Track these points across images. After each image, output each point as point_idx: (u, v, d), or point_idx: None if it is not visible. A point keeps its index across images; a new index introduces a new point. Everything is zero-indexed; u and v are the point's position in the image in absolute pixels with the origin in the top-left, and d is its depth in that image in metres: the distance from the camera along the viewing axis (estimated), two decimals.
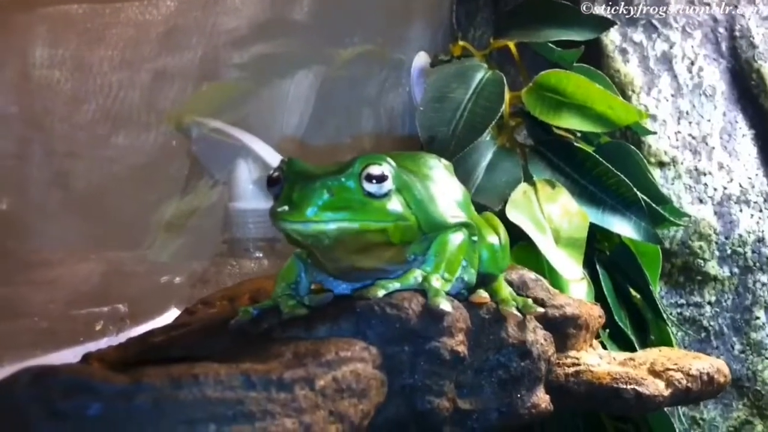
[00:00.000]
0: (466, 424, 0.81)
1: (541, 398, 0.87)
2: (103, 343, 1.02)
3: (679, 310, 1.56)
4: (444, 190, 0.86)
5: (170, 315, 1.20)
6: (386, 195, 0.77)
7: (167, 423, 0.57)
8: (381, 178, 0.76)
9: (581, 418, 1.25)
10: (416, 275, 0.79)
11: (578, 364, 0.95)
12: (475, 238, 0.86)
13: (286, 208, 0.73)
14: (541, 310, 0.88)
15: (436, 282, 0.79)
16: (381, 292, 0.77)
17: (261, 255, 1.41)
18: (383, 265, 0.80)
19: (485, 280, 0.88)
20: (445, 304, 0.77)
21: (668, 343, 1.35)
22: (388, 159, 0.78)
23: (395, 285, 0.78)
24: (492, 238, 0.89)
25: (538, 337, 0.87)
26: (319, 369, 0.66)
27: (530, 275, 0.96)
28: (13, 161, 1.27)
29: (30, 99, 1.26)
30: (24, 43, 1.22)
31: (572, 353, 0.96)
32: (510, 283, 0.93)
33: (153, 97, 1.38)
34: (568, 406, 0.94)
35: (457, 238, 0.83)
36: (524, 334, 0.86)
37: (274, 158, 1.40)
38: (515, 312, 0.85)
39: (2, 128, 1.24)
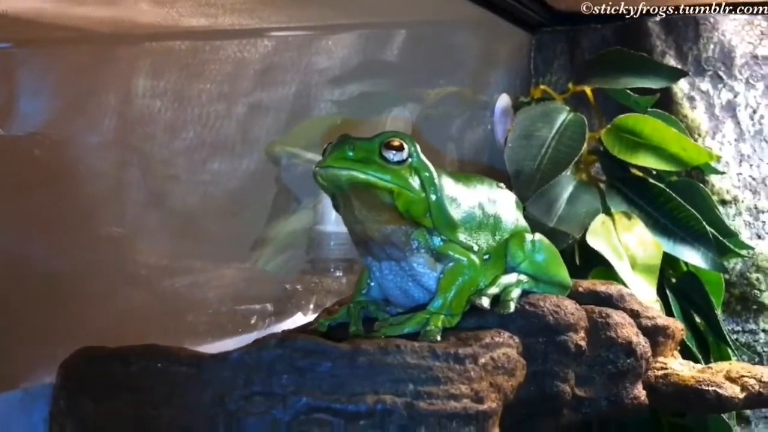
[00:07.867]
0: (580, 409, 0.96)
1: (641, 392, 1.01)
2: (255, 335, 1.18)
3: (735, 336, 1.69)
4: (480, 206, 0.94)
5: (297, 318, 1.36)
6: (399, 163, 0.84)
7: (379, 380, 0.73)
8: (397, 148, 0.84)
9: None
10: (422, 320, 0.86)
11: (666, 368, 1.09)
12: (487, 257, 0.93)
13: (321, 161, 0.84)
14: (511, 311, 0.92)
15: (434, 327, 0.85)
16: (388, 332, 0.85)
17: (341, 273, 1.50)
18: (392, 239, 0.87)
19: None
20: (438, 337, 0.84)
21: None
22: (410, 138, 0.86)
23: (404, 329, 0.85)
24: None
25: (641, 340, 1.01)
26: (481, 349, 0.81)
27: (627, 290, 1.10)
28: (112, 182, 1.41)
29: (132, 126, 1.41)
30: (128, 74, 1.30)
31: (660, 359, 1.10)
32: (609, 296, 1.07)
33: (247, 127, 1.46)
34: (657, 404, 1.09)
35: (464, 275, 0.89)
36: (630, 336, 1.00)
37: None
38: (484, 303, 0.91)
39: (105, 152, 1.39)
